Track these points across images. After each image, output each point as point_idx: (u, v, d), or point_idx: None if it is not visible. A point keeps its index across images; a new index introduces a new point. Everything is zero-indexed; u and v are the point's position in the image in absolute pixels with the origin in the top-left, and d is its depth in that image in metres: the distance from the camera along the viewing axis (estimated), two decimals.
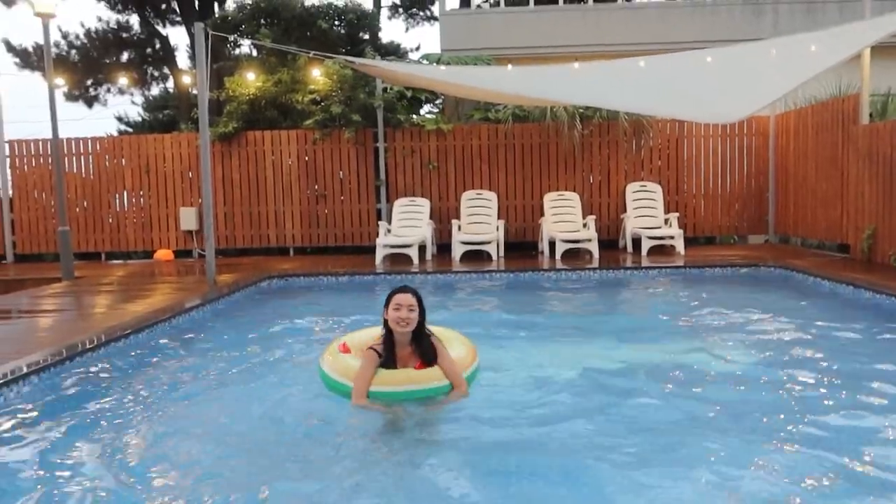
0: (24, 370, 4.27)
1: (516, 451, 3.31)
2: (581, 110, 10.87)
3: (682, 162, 11.46)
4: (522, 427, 3.62)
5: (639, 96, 7.51)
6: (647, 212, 10.83)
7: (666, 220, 10.65)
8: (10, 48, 19.64)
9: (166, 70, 21.82)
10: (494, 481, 3.00)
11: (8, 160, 11.90)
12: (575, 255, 9.95)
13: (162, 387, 4.44)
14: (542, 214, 10.78)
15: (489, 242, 10.10)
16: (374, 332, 4.01)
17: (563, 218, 10.64)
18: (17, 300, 7.66)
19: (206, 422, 3.81)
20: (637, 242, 10.30)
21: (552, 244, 10.09)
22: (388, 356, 3.70)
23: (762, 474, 2.95)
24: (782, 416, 3.65)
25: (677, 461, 3.15)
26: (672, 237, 10.21)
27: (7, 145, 11.89)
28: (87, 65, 20.06)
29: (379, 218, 11.31)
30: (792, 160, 10.74)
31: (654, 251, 10.02)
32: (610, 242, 11.02)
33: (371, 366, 3.67)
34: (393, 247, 9.96)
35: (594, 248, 9.91)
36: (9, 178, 11.92)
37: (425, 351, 3.74)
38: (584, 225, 10.46)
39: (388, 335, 3.73)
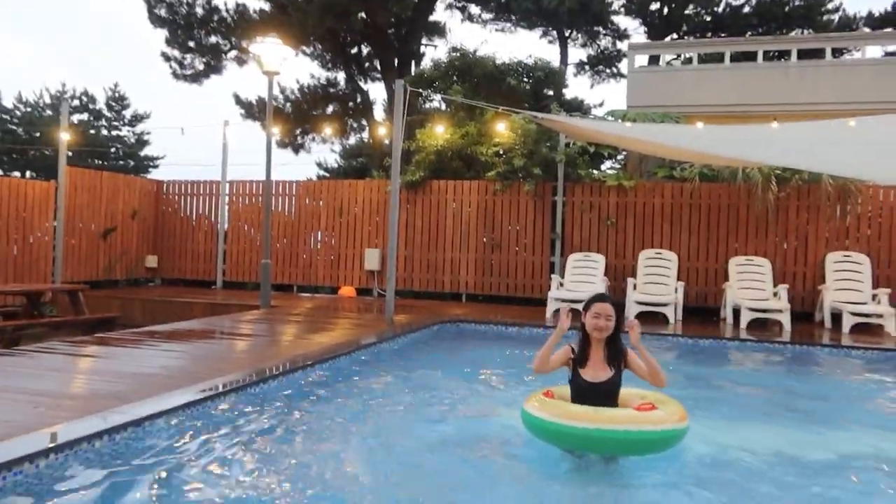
0: (221, 388, 4.72)
1: None
2: (777, 171, 10.18)
3: None
4: None
5: (848, 159, 6.91)
6: (850, 285, 9.78)
7: (874, 296, 9.53)
8: (238, 101, 22.39)
9: (364, 121, 23.64)
10: None
11: (227, 198, 13.46)
12: (762, 326, 9.21)
13: (335, 416, 4.68)
14: (726, 279, 10.14)
15: (666, 304, 9.67)
16: None
17: (751, 285, 9.93)
18: (221, 322, 8.52)
19: (373, 457, 3.98)
20: (837, 318, 9.30)
21: (736, 312, 9.44)
22: (581, 354, 3.87)
23: None
24: None
25: None
26: (880, 315, 9.11)
27: (228, 184, 13.46)
28: (297, 116, 22.29)
29: (552, 271, 11.27)
30: None
31: (857, 329, 8.99)
32: (803, 315, 10.08)
33: (563, 353, 3.89)
34: (564, 301, 9.84)
35: (786, 319, 9.12)
36: (226, 213, 13.46)
37: (615, 354, 3.84)
38: (775, 294, 9.69)
39: (584, 337, 3.88)
